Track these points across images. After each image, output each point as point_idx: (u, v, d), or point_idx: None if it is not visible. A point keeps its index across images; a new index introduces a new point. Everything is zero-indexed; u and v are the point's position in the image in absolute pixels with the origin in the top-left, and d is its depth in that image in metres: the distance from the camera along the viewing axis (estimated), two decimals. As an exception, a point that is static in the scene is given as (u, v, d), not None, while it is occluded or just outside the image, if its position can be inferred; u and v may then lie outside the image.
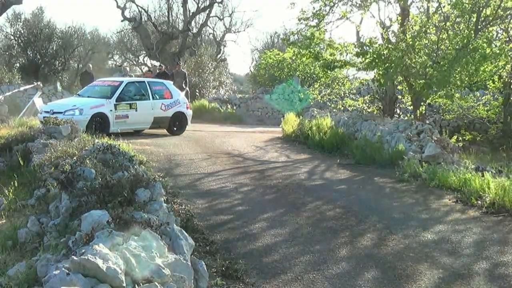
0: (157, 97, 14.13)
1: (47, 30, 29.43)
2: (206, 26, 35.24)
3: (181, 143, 12.57)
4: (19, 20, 29.73)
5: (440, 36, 12.22)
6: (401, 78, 12.90)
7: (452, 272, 4.91)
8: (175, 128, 14.41)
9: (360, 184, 8.72)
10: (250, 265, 4.91)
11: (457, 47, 11.42)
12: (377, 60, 12.10)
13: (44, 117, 12.74)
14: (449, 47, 11.89)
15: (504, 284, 4.69)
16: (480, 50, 11.00)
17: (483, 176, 7.88)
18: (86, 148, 6.82)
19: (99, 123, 12.62)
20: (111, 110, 13.00)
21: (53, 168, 6.63)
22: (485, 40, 11.36)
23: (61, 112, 12.36)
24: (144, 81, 14.59)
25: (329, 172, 9.67)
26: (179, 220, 5.35)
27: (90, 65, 19.92)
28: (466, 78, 11.76)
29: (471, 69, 11.41)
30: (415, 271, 4.90)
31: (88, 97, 13.60)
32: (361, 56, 12.47)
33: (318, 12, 13.33)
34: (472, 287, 4.62)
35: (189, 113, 14.89)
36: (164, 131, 14.33)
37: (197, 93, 24.78)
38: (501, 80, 15.24)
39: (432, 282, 4.69)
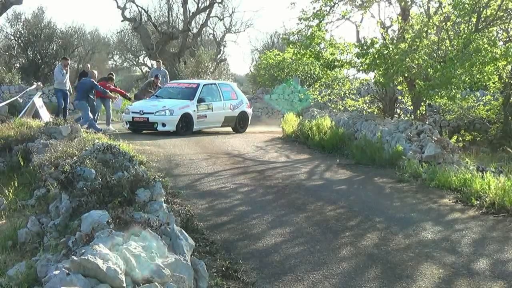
0: (226, 98, 15.29)
1: (47, 30, 29.41)
2: (206, 26, 35.31)
3: (181, 143, 12.56)
4: (19, 20, 29.76)
5: (441, 36, 12.18)
6: (401, 78, 12.88)
7: (452, 272, 4.91)
8: (240, 127, 15.53)
9: (360, 184, 8.71)
10: (250, 265, 4.90)
11: (458, 47, 11.39)
12: (377, 61, 12.07)
13: (133, 117, 13.85)
14: (450, 48, 11.87)
15: (505, 284, 4.69)
16: (484, 52, 10.96)
17: (483, 176, 7.88)
18: (86, 148, 6.82)
19: (185, 123, 13.88)
20: (194, 111, 14.16)
21: (53, 168, 6.64)
22: (487, 41, 11.31)
23: (152, 113, 13.52)
24: (215, 83, 15.95)
25: (329, 172, 9.67)
26: (179, 220, 5.35)
27: (89, 65, 19.90)
28: (468, 80, 11.73)
29: (475, 70, 11.38)
30: (415, 271, 4.90)
31: (169, 98, 14.49)
32: (361, 57, 12.44)
33: (318, 12, 13.32)
34: (473, 287, 4.62)
35: (250, 112, 16.12)
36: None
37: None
38: (501, 80, 15.23)
39: (432, 282, 4.69)
